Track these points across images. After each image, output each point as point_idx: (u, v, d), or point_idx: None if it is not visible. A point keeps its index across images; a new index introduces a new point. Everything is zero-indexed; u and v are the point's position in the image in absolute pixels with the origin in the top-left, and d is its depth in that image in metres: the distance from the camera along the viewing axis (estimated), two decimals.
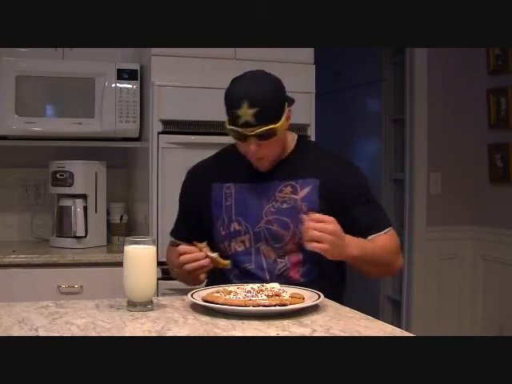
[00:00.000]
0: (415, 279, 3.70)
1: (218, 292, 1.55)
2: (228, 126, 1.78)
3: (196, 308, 1.53)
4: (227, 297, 1.50)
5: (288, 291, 1.55)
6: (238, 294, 1.52)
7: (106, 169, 3.02)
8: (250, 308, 1.44)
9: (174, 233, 2.05)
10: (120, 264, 1.60)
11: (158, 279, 2.35)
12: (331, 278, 1.86)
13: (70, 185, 2.90)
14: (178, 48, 2.62)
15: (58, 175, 2.91)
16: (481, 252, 3.66)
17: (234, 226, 1.84)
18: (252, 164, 1.87)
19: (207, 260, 1.73)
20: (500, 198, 3.52)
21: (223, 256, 1.79)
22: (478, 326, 3.65)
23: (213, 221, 1.88)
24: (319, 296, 1.55)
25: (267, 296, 1.49)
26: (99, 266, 2.73)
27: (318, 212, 1.71)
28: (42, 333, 1.32)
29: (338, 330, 1.36)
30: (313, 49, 2.93)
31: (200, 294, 1.56)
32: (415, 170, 3.69)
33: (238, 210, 1.85)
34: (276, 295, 1.50)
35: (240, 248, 1.84)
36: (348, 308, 1.58)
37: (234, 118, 1.75)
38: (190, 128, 2.82)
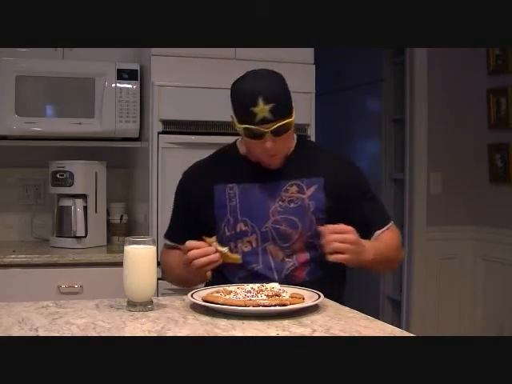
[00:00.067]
0: (415, 279, 3.70)
1: (217, 292, 1.55)
2: (241, 126, 1.76)
3: (196, 308, 1.53)
4: (227, 297, 1.50)
5: (288, 291, 1.55)
6: (238, 294, 1.52)
7: (106, 169, 3.02)
8: (250, 308, 1.44)
9: (169, 235, 2.00)
10: (120, 264, 1.59)
11: (158, 279, 2.32)
12: (334, 277, 1.88)
13: (70, 185, 2.90)
14: (178, 48, 2.62)
15: (58, 175, 2.91)
16: (481, 252, 3.66)
17: (240, 226, 1.83)
18: (253, 164, 1.87)
19: (217, 255, 1.68)
20: (500, 197, 3.52)
21: (232, 251, 1.76)
22: (478, 326, 3.65)
23: (215, 222, 1.85)
24: (319, 296, 1.55)
25: (267, 296, 1.49)
26: (99, 266, 2.73)
27: (326, 211, 1.79)
28: (42, 333, 1.32)
29: (337, 330, 1.36)
30: (313, 49, 2.93)
31: (200, 294, 1.56)
32: (415, 169, 3.69)
33: (243, 210, 1.83)
34: (276, 295, 1.50)
35: (247, 248, 1.82)
36: (348, 308, 1.58)
37: (249, 116, 1.73)
38: (189, 128, 2.82)
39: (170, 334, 1.33)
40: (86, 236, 2.91)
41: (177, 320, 1.44)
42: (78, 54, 2.86)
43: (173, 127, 2.80)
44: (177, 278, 1.92)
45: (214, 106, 2.72)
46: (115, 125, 2.89)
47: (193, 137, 2.81)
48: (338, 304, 1.62)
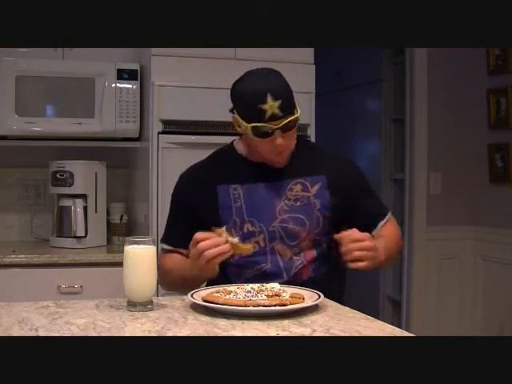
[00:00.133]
0: (415, 279, 3.70)
1: (218, 292, 1.55)
2: (249, 125, 1.76)
3: (196, 308, 1.53)
4: (227, 297, 1.50)
5: (288, 291, 1.55)
6: (238, 294, 1.52)
7: (106, 169, 3.02)
8: (250, 308, 1.44)
9: (168, 240, 1.94)
10: (120, 264, 1.59)
11: None
12: (337, 273, 1.90)
13: (70, 185, 2.90)
14: (178, 48, 2.63)
15: (58, 175, 2.91)
16: (481, 252, 3.66)
17: (248, 226, 1.82)
18: (254, 164, 1.87)
19: (228, 245, 1.62)
20: (500, 197, 3.52)
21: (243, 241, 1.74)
22: (478, 326, 3.65)
23: (221, 223, 1.81)
24: (319, 296, 1.55)
25: (267, 296, 1.49)
26: (99, 266, 2.73)
27: (331, 208, 1.83)
28: (42, 333, 1.32)
29: (337, 330, 1.36)
30: (313, 49, 2.93)
31: (200, 294, 1.56)
32: (415, 170, 3.69)
33: (249, 210, 1.83)
34: (276, 295, 1.50)
35: (255, 249, 1.80)
36: (348, 308, 1.58)
37: (258, 114, 1.73)
38: (190, 128, 2.82)
39: (169, 333, 1.33)
40: (86, 236, 2.92)
41: (177, 320, 1.44)
42: (78, 54, 2.86)
43: (173, 127, 2.80)
44: (176, 280, 1.86)
45: (213, 106, 2.72)
46: (115, 125, 2.89)
47: (193, 137, 2.81)
48: (337, 304, 1.62)
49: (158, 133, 2.78)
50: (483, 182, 3.62)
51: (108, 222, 3.08)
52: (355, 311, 1.54)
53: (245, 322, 1.41)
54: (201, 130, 2.82)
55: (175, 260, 1.88)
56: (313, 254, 1.84)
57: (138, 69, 2.92)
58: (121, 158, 3.21)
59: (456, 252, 3.72)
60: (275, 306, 1.45)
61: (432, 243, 3.68)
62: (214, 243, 1.62)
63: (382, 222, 1.93)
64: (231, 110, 1.85)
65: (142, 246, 1.57)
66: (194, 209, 1.88)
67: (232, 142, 1.97)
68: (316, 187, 1.86)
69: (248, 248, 1.70)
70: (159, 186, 2.76)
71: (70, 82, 2.87)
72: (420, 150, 3.68)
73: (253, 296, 1.50)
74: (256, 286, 1.56)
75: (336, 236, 1.73)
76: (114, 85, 2.88)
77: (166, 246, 1.94)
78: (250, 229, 1.82)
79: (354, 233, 1.71)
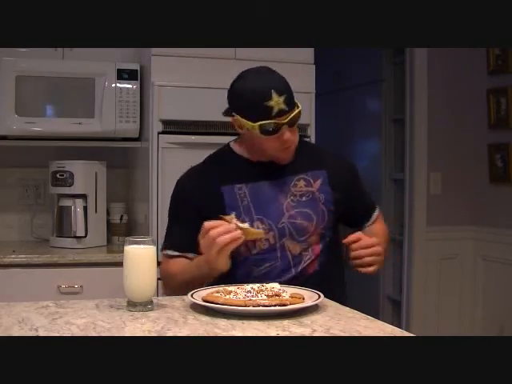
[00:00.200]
0: (415, 279, 3.70)
1: (218, 292, 1.55)
2: (256, 123, 1.75)
3: (196, 308, 1.53)
4: (227, 297, 1.50)
5: (288, 291, 1.55)
6: (238, 294, 1.52)
7: (106, 169, 3.02)
8: (250, 308, 1.44)
9: (173, 246, 1.88)
10: (120, 264, 1.59)
11: (158, 279, 2.33)
12: (339, 267, 1.96)
13: (70, 185, 2.90)
14: (178, 48, 2.63)
15: (58, 175, 2.91)
16: (481, 252, 3.66)
17: (257, 225, 1.82)
18: (254, 163, 1.88)
19: (239, 231, 1.61)
20: (500, 197, 3.52)
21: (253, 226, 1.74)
22: (478, 326, 3.65)
23: None
24: (319, 296, 1.55)
25: (267, 296, 1.49)
26: (99, 266, 2.73)
27: (333, 202, 1.87)
28: (42, 333, 1.32)
29: (337, 330, 1.36)
30: (313, 49, 2.93)
31: (200, 294, 1.56)
32: (415, 169, 3.69)
33: (257, 208, 1.83)
34: (276, 295, 1.50)
35: (265, 246, 1.82)
36: (348, 308, 1.58)
37: (265, 111, 1.74)
38: (190, 128, 2.82)
39: (170, 334, 1.33)
40: (86, 236, 2.92)
41: (177, 320, 1.44)
42: (78, 54, 2.86)
43: (173, 127, 2.80)
44: (181, 284, 1.79)
45: (214, 106, 2.69)
46: (115, 125, 2.89)
47: (193, 137, 2.81)
48: (338, 304, 1.62)
49: (158, 133, 2.78)
50: (483, 181, 3.62)
51: (108, 222, 3.08)
52: (355, 311, 1.54)
53: (245, 321, 1.41)
54: (201, 130, 2.82)
55: (181, 264, 1.84)
56: (319, 248, 1.87)
57: (138, 69, 2.92)
58: (121, 158, 3.22)
59: (456, 252, 3.72)
60: (275, 305, 1.45)
61: (432, 243, 3.68)
62: (226, 230, 1.60)
63: (375, 214, 2.03)
64: (227, 113, 1.84)
65: (142, 246, 1.56)
66: (198, 211, 1.83)
67: (228, 144, 1.97)
68: (318, 182, 1.89)
69: (260, 232, 1.72)
70: (159, 186, 2.76)
71: (70, 82, 2.87)
72: (420, 149, 3.68)
73: (253, 296, 1.50)
74: (256, 285, 1.56)
75: (345, 241, 1.78)
76: (113, 85, 2.88)
77: (171, 252, 1.88)
78: (260, 227, 1.82)
79: (364, 238, 1.78)
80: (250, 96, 1.75)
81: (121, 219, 3.10)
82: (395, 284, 4.09)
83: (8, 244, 3.00)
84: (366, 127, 4.41)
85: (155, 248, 1.57)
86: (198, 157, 2.03)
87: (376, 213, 2.05)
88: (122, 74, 2.89)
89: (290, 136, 1.80)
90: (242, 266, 1.82)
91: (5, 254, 2.69)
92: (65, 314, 1.48)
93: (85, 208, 2.92)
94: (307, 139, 2.79)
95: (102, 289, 2.35)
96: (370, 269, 1.78)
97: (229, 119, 1.87)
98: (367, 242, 1.77)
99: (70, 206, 2.90)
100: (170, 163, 2.72)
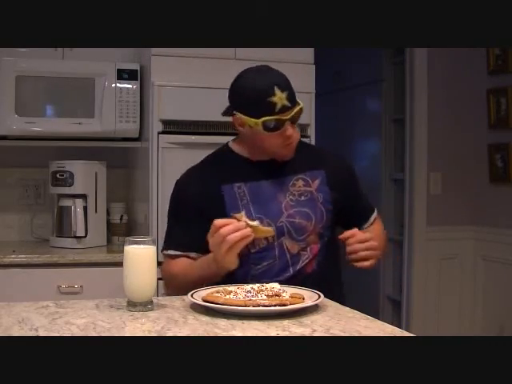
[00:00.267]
0: (415, 279, 3.70)
1: (218, 292, 1.55)
2: (259, 120, 1.76)
3: (196, 308, 1.53)
4: (227, 297, 1.50)
5: (288, 291, 1.55)
6: (238, 293, 1.52)
7: (106, 169, 3.02)
8: (250, 308, 1.44)
9: (175, 245, 1.87)
10: (120, 264, 1.59)
11: (158, 279, 2.33)
12: (337, 267, 1.96)
13: (70, 185, 2.90)
14: (178, 48, 2.63)
15: (58, 175, 2.91)
16: (481, 252, 3.66)
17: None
18: (253, 162, 1.88)
19: (249, 229, 1.62)
20: (500, 197, 3.53)
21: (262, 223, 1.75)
22: (478, 326, 3.65)
23: None
24: (319, 296, 1.55)
25: (267, 296, 1.49)
26: (99, 266, 2.73)
27: (332, 202, 1.88)
28: (42, 333, 1.32)
29: (337, 330, 1.36)
30: (313, 49, 2.93)
31: (200, 294, 1.56)
32: (415, 169, 3.69)
33: (256, 207, 1.84)
34: (276, 295, 1.50)
35: (263, 244, 1.82)
36: (348, 308, 1.58)
37: (268, 108, 1.74)
38: (190, 128, 2.82)
39: (170, 334, 1.33)
40: (86, 236, 2.92)
41: (177, 320, 1.44)
42: (78, 54, 2.86)
43: (173, 127, 2.80)
44: (184, 284, 1.78)
45: (214, 106, 2.68)
46: (115, 125, 2.89)
47: (193, 137, 2.81)
48: (337, 304, 1.62)
49: (158, 133, 2.78)
50: (483, 181, 3.62)
51: (108, 222, 3.08)
52: (355, 311, 1.54)
53: (245, 322, 1.41)
54: (201, 130, 2.82)
55: (184, 264, 1.84)
56: (317, 247, 1.87)
57: (138, 69, 2.92)
58: (121, 158, 3.21)
59: (456, 252, 3.72)
60: (275, 306, 1.45)
61: (432, 243, 3.68)
62: (236, 227, 1.61)
63: (373, 216, 2.04)
64: (227, 112, 1.85)
65: (142, 246, 1.56)
66: (200, 210, 1.84)
67: (227, 144, 1.97)
68: (317, 182, 1.89)
69: (269, 230, 1.72)
70: (159, 186, 2.76)
71: (70, 82, 2.87)
72: (420, 149, 3.68)
73: (253, 296, 1.50)
74: (256, 285, 1.56)
75: (341, 236, 1.79)
76: (113, 85, 2.88)
77: (173, 252, 1.87)
78: None
79: (358, 233, 1.78)
80: (253, 92, 1.76)
81: (121, 219, 3.10)
82: (395, 284, 4.09)
83: (8, 244, 3.00)
84: (365, 127, 4.41)
85: (155, 248, 1.57)
86: (198, 157, 2.03)
87: (374, 215, 2.05)
88: (122, 74, 2.89)
89: (293, 132, 1.81)
90: (241, 265, 1.81)
91: (5, 254, 2.69)
92: (65, 314, 1.48)
93: (85, 208, 2.92)
94: (307, 139, 2.80)
95: (102, 289, 2.34)
96: (366, 263, 1.78)
97: (229, 119, 1.88)
98: (362, 237, 1.78)
99: (70, 206, 2.90)
100: (170, 163, 2.72)
